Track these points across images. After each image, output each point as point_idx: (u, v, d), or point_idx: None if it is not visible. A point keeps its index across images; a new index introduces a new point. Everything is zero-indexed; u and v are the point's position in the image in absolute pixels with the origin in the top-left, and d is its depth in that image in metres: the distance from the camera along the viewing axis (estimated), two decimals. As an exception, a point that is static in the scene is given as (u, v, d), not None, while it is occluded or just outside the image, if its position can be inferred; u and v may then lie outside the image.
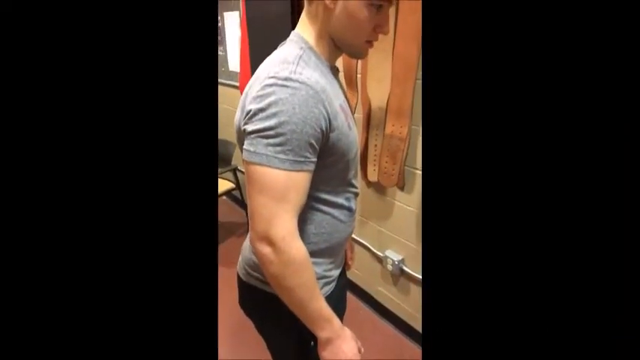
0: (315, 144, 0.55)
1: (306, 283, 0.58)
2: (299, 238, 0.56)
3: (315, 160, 0.56)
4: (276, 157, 0.52)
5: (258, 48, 1.90)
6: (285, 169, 0.53)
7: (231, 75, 2.42)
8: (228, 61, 2.42)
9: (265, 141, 0.52)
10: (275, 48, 0.66)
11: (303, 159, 0.54)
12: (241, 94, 0.65)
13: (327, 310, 0.61)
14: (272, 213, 0.54)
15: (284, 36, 0.67)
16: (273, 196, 0.53)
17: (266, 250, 0.54)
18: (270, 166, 0.52)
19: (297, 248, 0.55)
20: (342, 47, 0.63)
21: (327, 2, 0.58)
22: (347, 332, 0.64)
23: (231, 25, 2.27)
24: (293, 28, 0.65)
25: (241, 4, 2.00)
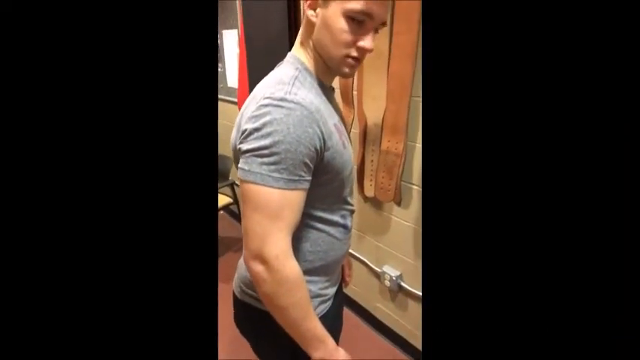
0: (309, 163, 0.55)
1: (300, 302, 0.57)
2: (293, 256, 0.56)
3: (309, 178, 0.57)
4: (270, 176, 0.53)
5: (256, 65, 1.93)
6: (279, 188, 0.53)
7: (230, 91, 2.44)
8: (227, 77, 2.45)
9: (260, 160, 0.53)
10: (272, 65, 0.67)
11: (297, 177, 0.54)
12: (239, 110, 0.66)
13: (320, 329, 0.60)
14: (266, 231, 0.54)
15: (281, 53, 0.68)
16: (267, 215, 0.54)
17: (259, 268, 0.54)
18: (264, 185, 0.53)
19: (290, 267, 0.55)
20: (325, 62, 0.62)
21: (310, 14, 0.59)
22: (341, 352, 0.63)
23: (230, 42, 2.31)
24: (290, 45, 0.66)
25: (239, 23, 2.04)
